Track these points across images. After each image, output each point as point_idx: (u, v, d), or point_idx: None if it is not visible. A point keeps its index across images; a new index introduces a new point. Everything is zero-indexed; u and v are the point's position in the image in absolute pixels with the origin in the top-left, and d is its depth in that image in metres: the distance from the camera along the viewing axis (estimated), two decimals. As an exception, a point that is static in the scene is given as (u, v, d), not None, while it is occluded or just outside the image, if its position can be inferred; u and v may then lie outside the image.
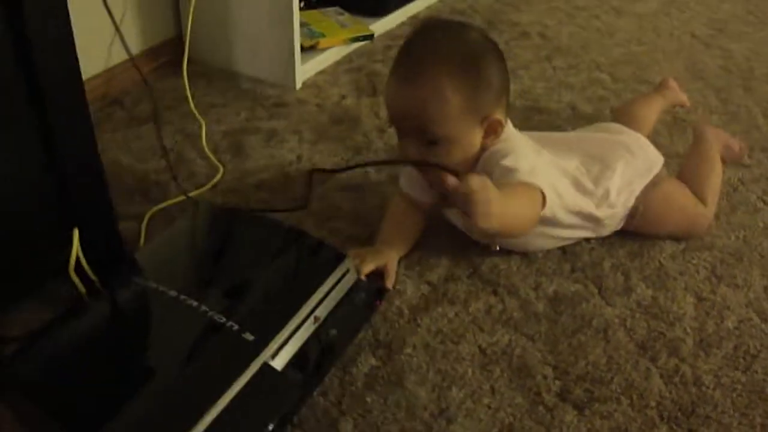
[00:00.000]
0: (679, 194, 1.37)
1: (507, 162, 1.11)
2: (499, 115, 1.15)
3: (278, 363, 0.96)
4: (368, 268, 1.16)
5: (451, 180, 0.92)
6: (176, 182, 1.42)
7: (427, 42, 1.14)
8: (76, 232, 1.05)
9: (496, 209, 0.92)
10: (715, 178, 1.44)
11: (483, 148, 1.16)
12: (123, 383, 0.92)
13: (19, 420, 0.93)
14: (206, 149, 1.52)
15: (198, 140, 1.53)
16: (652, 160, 1.36)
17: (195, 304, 0.99)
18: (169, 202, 1.37)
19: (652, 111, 1.59)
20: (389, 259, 1.21)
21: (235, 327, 0.97)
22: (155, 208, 1.34)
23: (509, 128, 1.20)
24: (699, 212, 1.38)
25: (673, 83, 1.67)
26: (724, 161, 1.49)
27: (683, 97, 1.68)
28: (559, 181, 1.21)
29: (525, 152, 1.17)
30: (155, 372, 0.94)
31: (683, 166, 1.48)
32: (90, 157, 1.07)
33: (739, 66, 2.04)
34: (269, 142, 1.57)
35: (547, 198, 1.10)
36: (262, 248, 1.14)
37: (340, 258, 1.11)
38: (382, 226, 1.29)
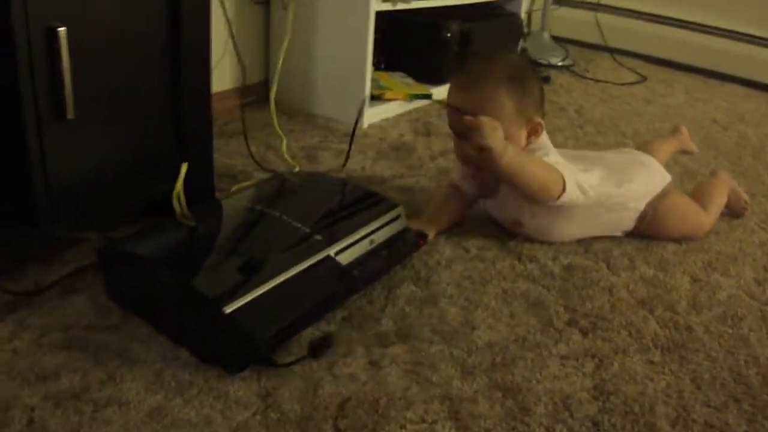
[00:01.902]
0: (684, 204, 1.61)
1: (539, 154, 1.40)
2: (539, 119, 1.41)
3: (341, 260, 1.22)
4: (413, 226, 1.42)
5: (468, 118, 1.27)
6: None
7: (484, 58, 1.44)
8: (184, 166, 1.33)
9: (508, 153, 1.28)
10: (719, 199, 1.68)
11: (524, 147, 1.42)
12: (225, 259, 1.19)
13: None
14: (285, 154, 1.81)
15: (278, 149, 1.83)
16: (663, 175, 1.61)
17: (277, 214, 1.27)
18: (255, 180, 1.64)
19: (666, 148, 1.85)
20: (429, 228, 1.48)
21: (308, 230, 1.23)
22: (242, 184, 1.62)
23: (545, 137, 1.46)
24: (701, 219, 1.61)
25: (684, 130, 1.91)
26: (727, 205, 1.72)
27: (692, 145, 1.92)
28: (583, 179, 1.45)
29: (555, 153, 1.44)
30: (249, 251, 1.19)
31: (695, 186, 1.74)
32: (204, 111, 1.38)
33: (751, 143, 2.30)
34: (338, 157, 1.87)
35: (568, 185, 1.37)
36: (335, 193, 1.44)
37: (394, 206, 1.38)
38: (428, 207, 1.55)
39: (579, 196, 1.41)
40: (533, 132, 1.41)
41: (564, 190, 1.37)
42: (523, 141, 1.41)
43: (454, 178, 1.57)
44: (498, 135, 1.27)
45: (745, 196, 1.75)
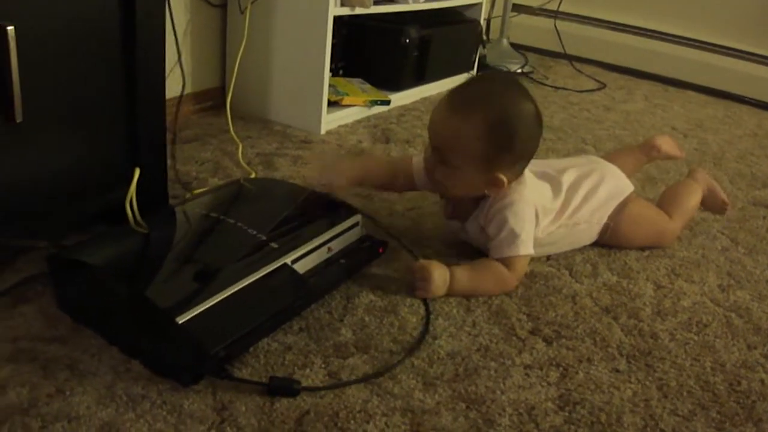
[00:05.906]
0: (646, 212, 1.57)
1: (506, 230, 1.33)
2: (505, 175, 1.29)
3: (298, 268, 1.18)
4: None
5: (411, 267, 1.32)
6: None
7: (489, 87, 1.33)
8: (137, 171, 1.28)
9: (454, 287, 1.30)
10: (688, 203, 1.64)
11: (485, 195, 1.34)
12: (179, 267, 1.14)
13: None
14: (242, 161, 1.76)
15: (234, 156, 1.78)
16: (624, 185, 1.55)
17: (232, 221, 1.22)
18: (210, 187, 1.59)
19: (632, 161, 1.75)
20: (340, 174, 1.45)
21: (264, 238, 1.19)
22: (196, 191, 1.57)
23: (524, 179, 1.36)
24: (665, 227, 1.58)
25: (659, 142, 1.78)
26: (704, 204, 1.70)
27: (676, 151, 1.80)
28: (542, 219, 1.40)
29: (526, 212, 1.34)
30: (204, 259, 1.15)
31: (666, 189, 1.71)
32: (158, 116, 1.34)
33: (711, 150, 2.30)
34: (295, 163, 1.82)
35: (522, 265, 1.35)
36: (293, 200, 1.40)
37: (353, 211, 1.34)
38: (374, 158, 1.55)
39: (532, 252, 1.36)
40: (492, 185, 1.31)
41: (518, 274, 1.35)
42: (478, 188, 1.33)
43: (415, 166, 1.46)
44: (432, 284, 1.27)
45: (724, 196, 1.73)
